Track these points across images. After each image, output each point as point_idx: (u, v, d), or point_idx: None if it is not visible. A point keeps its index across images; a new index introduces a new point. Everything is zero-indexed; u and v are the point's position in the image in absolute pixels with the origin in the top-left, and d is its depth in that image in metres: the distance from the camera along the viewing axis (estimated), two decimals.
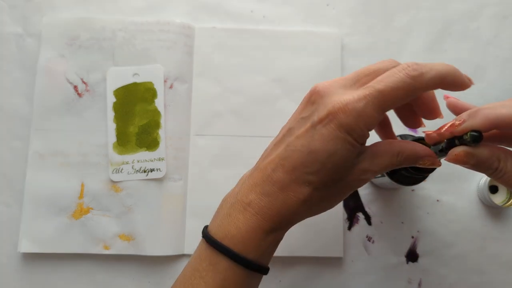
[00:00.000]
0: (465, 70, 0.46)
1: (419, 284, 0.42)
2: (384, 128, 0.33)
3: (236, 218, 0.28)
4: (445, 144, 0.27)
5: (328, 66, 0.45)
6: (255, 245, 0.27)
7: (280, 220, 0.28)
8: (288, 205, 0.27)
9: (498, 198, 0.43)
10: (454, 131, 0.26)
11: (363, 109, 0.26)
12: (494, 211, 0.44)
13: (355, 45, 0.46)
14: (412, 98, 0.27)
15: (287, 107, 0.45)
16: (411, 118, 0.32)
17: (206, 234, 0.29)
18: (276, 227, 0.28)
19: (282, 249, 0.42)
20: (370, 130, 0.27)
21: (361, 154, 0.27)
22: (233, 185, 0.43)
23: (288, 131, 0.29)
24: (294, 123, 0.28)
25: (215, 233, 0.28)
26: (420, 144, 0.28)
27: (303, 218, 0.29)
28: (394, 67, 0.27)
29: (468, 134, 0.25)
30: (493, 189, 0.43)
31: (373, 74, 0.27)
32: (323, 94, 0.27)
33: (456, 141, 0.26)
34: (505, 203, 0.42)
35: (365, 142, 0.27)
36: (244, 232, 0.27)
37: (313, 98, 0.28)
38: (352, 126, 0.26)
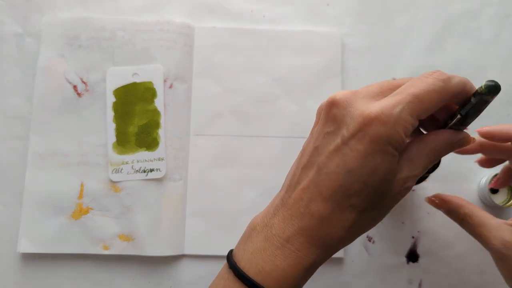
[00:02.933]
0: (465, 70, 0.46)
1: (420, 285, 0.42)
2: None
3: (272, 254, 0.25)
4: (462, 112, 0.26)
5: (328, 66, 0.45)
6: (293, 284, 0.25)
7: (324, 253, 0.25)
8: (333, 236, 0.25)
9: (499, 198, 0.43)
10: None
11: (399, 115, 0.24)
12: (494, 211, 0.43)
13: (355, 45, 0.46)
14: (443, 103, 0.25)
15: (287, 107, 0.45)
16: None
17: (234, 266, 0.26)
18: (319, 260, 0.26)
19: None
20: (407, 136, 0.25)
21: (398, 162, 0.25)
22: (233, 185, 0.43)
23: (315, 151, 0.26)
24: (319, 141, 0.26)
25: (246, 267, 0.25)
26: (449, 130, 0.27)
27: (348, 244, 0.26)
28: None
29: (483, 85, 0.24)
30: (494, 189, 0.43)
31: (397, 88, 0.26)
32: (346, 105, 0.25)
33: (472, 99, 0.25)
34: (506, 203, 0.42)
35: (402, 150, 0.25)
36: (281, 270, 0.25)
37: (335, 111, 0.25)
38: (392, 135, 0.24)
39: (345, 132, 0.24)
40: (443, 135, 0.27)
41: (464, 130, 0.28)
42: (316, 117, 0.28)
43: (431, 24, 0.47)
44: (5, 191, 0.43)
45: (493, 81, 0.24)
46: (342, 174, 0.24)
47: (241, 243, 0.28)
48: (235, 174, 0.44)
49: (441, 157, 0.27)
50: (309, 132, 0.29)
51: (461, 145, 0.27)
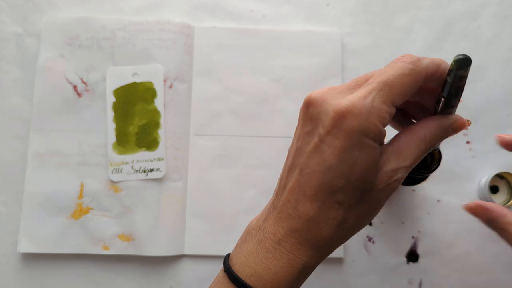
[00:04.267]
0: None
1: (420, 285, 0.42)
2: (403, 122, 0.30)
3: (264, 257, 0.25)
4: (444, 93, 0.25)
5: (328, 66, 0.45)
6: (286, 286, 0.25)
7: (316, 253, 0.25)
8: (322, 235, 0.25)
9: (499, 198, 0.43)
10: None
11: (371, 104, 0.23)
12: None
13: (355, 45, 0.46)
14: (417, 86, 0.25)
15: (287, 107, 0.45)
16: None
17: (228, 269, 0.26)
18: (312, 262, 0.25)
19: None
20: (385, 126, 0.24)
21: (383, 155, 0.25)
22: (233, 185, 0.43)
23: (297, 151, 0.26)
24: (300, 142, 0.26)
25: (240, 270, 0.26)
26: (438, 116, 0.26)
27: (342, 243, 0.26)
28: None
29: (453, 61, 0.24)
30: (494, 189, 0.43)
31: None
32: (320, 102, 0.25)
33: (448, 78, 0.25)
34: (506, 203, 0.42)
35: (383, 141, 0.25)
36: (273, 273, 0.25)
37: (311, 110, 0.25)
38: (366, 126, 0.23)
39: (321, 129, 0.24)
40: (433, 122, 0.26)
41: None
42: (298, 118, 0.28)
43: (431, 24, 0.47)
44: (5, 191, 0.43)
45: (461, 54, 0.24)
46: (322, 172, 0.24)
47: (237, 246, 0.28)
48: (235, 174, 0.44)
49: (434, 145, 0.26)
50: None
51: (455, 129, 0.26)
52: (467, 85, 0.48)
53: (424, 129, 0.26)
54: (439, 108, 0.26)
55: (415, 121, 0.30)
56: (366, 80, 0.25)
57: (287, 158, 0.27)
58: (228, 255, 0.28)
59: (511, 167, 0.43)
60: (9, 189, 0.43)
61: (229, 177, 0.44)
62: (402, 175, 0.25)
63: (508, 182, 0.43)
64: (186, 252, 0.42)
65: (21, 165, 0.43)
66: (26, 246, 0.41)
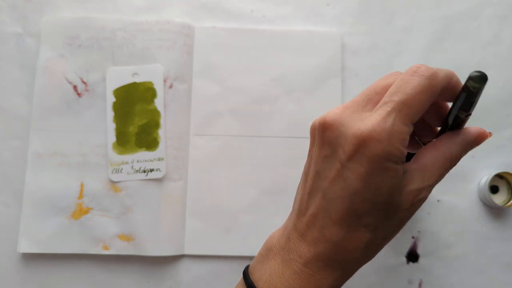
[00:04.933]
0: (465, 70, 0.46)
1: (420, 285, 0.42)
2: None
3: (291, 278, 0.25)
4: (459, 104, 0.24)
5: (328, 66, 0.45)
6: None
7: (342, 274, 0.25)
8: (350, 258, 0.25)
9: (499, 198, 0.43)
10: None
11: (392, 128, 0.23)
12: (494, 211, 0.43)
13: (355, 45, 0.46)
14: (432, 101, 0.24)
15: (287, 107, 0.45)
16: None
17: (251, 286, 0.26)
18: (338, 283, 0.26)
19: None
20: (406, 146, 0.24)
21: (406, 174, 0.24)
22: (233, 185, 0.43)
23: (317, 175, 0.26)
24: (319, 165, 0.25)
25: (264, 287, 0.26)
26: (463, 131, 0.25)
27: (366, 262, 0.26)
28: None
29: (469, 77, 0.23)
30: (494, 189, 0.43)
31: (384, 91, 0.25)
32: (337, 125, 0.24)
33: (462, 93, 0.24)
34: (506, 203, 0.42)
35: (404, 160, 0.24)
36: None
37: (328, 133, 0.25)
38: (388, 150, 0.23)
39: (341, 155, 0.24)
40: (457, 138, 0.25)
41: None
42: (310, 136, 0.28)
43: (431, 24, 0.47)
44: (5, 191, 0.43)
45: (477, 71, 0.23)
46: (347, 198, 0.24)
47: (258, 261, 0.28)
48: (235, 174, 0.44)
49: (458, 161, 0.26)
50: (308, 148, 0.28)
51: (478, 143, 0.26)
52: None
53: (449, 146, 0.25)
54: (450, 122, 0.26)
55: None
56: (377, 93, 0.25)
57: (305, 180, 0.27)
58: (247, 268, 0.28)
59: (511, 167, 0.43)
60: (9, 189, 0.43)
61: (229, 177, 0.44)
62: (426, 193, 0.25)
63: (508, 182, 0.43)
64: (186, 252, 0.42)
65: (21, 165, 0.43)
66: (26, 246, 0.41)
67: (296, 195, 0.28)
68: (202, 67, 0.45)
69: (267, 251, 0.28)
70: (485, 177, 0.43)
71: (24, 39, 0.45)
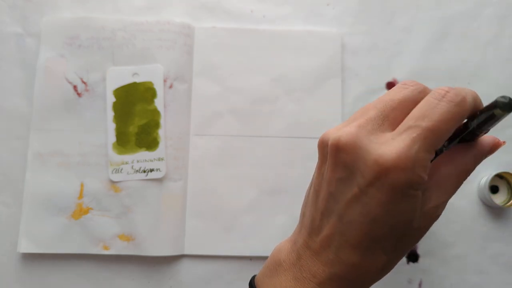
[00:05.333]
0: (465, 70, 0.46)
1: (420, 284, 0.42)
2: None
3: None
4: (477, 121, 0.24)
5: (328, 66, 0.45)
6: None
7: None
8: (365, 279, 0.24)
9: (499, 198, 0.43)
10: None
11: (417, 156, 0.22)
12: (494, 211, 0.43)
13: (355, 45, 0.46)
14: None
15: (287, 107, 0.45)
16: None
17: None
18: None
19: None
20: (427, 172, 0.23)
21: (423, 193, 0.24)
22: (233, 185, 0.43)
23: (330, 197, 0.24)
24: (333, 187, 0.24)
25: None
26: (478, 143, 0.25)
27: (378, 280, 0.26)
28: (419, 92, 0.24)
29: (497, 102, 0.22)
30: (494, 189, 0.43)
31: (401, 106, 0.24)
32: (354, 148, 0.23)
33: (483, 114, 0.23)
34: (506, 203, 0.42)
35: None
36: None
37: (344, 156, 0.23)
38: (412, 179, 0.22)
39: (360, 180, 0.23)
40: (472, 150, 0.25)
41: None
42: (319, 151, 0.26)
43: (431, 24, 0.47)
44: (5, 191, 0.43)
45: (503, 97, 0.22)
46: (366, 223, 0.23)
47: (265, 275, 0.27)
48: (235, 174, 0.44)
49: (471, 172, 0.25)
50: (315, 168, 0.27)
51: (492, 153, 0.25)
52: (466, 86, 0.48)
53: (464, 158, 0.25)
54: (464, 135, 0.25)
55: None
56: (394, 109, 0.24)
57: (315, 198, 0.26)
58: (253, 279, 0.28)
59: (511, 167, 0.43)
60: (9, 189, 0.43)
61: (229, 177, 0.44)
62: (442, 209, 0.25)
63: (508, 182, 0.43)
64: (186, 252, 0.42)
65: (21, 165, 0.43)
66: (26, 246, 0.41)
67: (304, 209, 0.27)
68: (202, 67, 0.45)
69: (276, 265, 0.27)
70: (485, 177, 0.43)
71: (24, 39, 0.45)
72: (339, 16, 0.47)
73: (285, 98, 0.45)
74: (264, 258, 0.42)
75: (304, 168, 0.44)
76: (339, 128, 0.25)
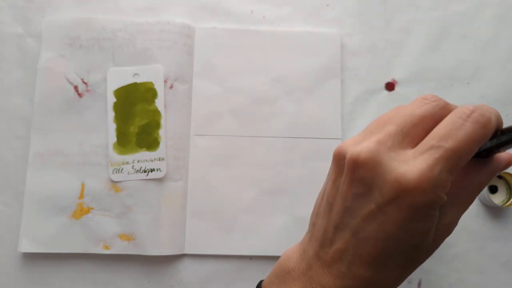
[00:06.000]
0: (464, 70, 0.47)
1: (419, 284, 0.42)
2: None
3: None
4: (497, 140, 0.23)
5: (327, 66, 0.45)
6: None
7: None
8: None
9: (498, 198, 0.43)
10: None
11: (439, 177, 0.21)
12: (494, 211, 0.44)
13: (355, 45, 0.47)
14: None
15: (287, 107, 0.45)
16: None
17: None
18: None
19: (284, 249, 0.42)
20: (447, 192, 0.22)
21: (439, 209, 0.23)
22: (233, 185, 0.44)
23: (346, 211, 0.24)
24: (349, 202, 0.24)
25: None
26: (493, 160, 0.25)
27: None
28: (440, 108, 0.23)
29: None
30: (493, 189, 0.43)
31: (422, 122, 0.23)
32: (374, 165, 0.22)
33: (504, 137, 0.23)
34: (505, 203, 0.42)
35: None
36: None
37: (362, 172, 0.23)
38: (432, 199, 0.21)
39: (378, 197, 0.22)
40: (489, 167, 0.25)
41: None
42: (334, 163, 0.26)
43: (431, 24, 0.47)
44: (6, 191, 0.43)
45: None
46: (381, 240, 0.23)
47: (273, 283, 0.27)
48: (235, 174, 0.44)
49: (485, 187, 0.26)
50: (326, 177, 0.27)
51: (506, 168, 0.25)
52: (466, 86, 0.48)
53: (479, 175, 0.24)
54: (480, 151, 0.25)
55: None
56: (415, 125, 0.23)
57: (328, 210, 0.25)
58: (260, 284, 0.28)
59: (510, 167, 0.43)
60: (10, 189, 0.43)
61: (229, 177, 0.44)
62: (456, 224, 0.25)
63: (507, 182, 0.43)
64: (187, 251, 0.42)
65: (22, 165, 0.43)
66: (27, 246, 0.41)
67: (315, 219, 0.27)
68: (202, 68, 0.45)
69: (284, 273, 0.27)
70: None
71: (25, 39, 0.45)
72: (338, 16, 0.47)
73: (285, 98, 0.45)
74: (264, 257, 0.42)
75: (304, 168, 0.44)
76: (357, 141, 0.24)
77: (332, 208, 0.25)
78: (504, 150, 0.24)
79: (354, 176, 0.23)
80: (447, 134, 0.22)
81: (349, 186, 0.24)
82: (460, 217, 0.25)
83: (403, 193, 0.21)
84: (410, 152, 0.23)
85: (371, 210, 0.23)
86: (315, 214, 0.27)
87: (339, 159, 0.25)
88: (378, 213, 0.22)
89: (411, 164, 0.22)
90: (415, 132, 0.23)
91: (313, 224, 0.27)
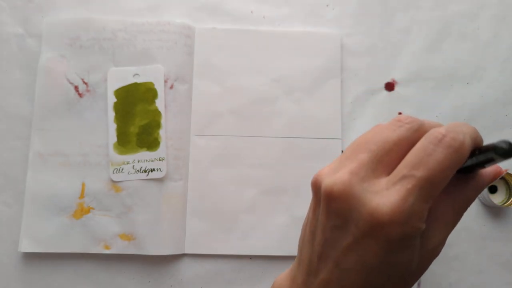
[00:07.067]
0: (465, 70, 0.47)
1: (419, 284, 0.42)
2: None
3: None
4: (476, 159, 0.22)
5: (327, 67, 0.46)
6: None
7: None
8: None
9: (498, 198, 0.43)
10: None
11: (412, 208, 0.20)
12: (493, 211, 0.44)
13: (355, 45, 0.47)
14: None
15: (287, 107, 0.45)
16: None
17: None
18: None
19: (284, 249, 0.42)
20: (425, 220, 0.22)
21: (422, 234, 0.22)
22: (233, 184, 0.44)
23: (325, 242, 0.23)
24: (328, 234, 0.23)
25: None
26: (478, 176, 0.24)
27: None
28: (414, 130, 0.22)
29: (497, 147, 0.20)
30: (493, 189, 0.43)
31: (396, 148, 0.22)
32: (347, 198, 0.22)
33: (482, 156, 0.22)
34: (505, 203, 0.42)
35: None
36: None
37: (336, 205, 0.22)
38: (407, 232, 0.21)
39: (354, 230, 0.22)
40: (474, 182, 0.24)
41: None
42: (313, 193, 0.25)
43: (430, 24, 0.47)
44: (6, 191, 0.43)
45: (505, 142, 0.20)
46: (363, 272, 0.22)
47: None
48: (235, 174, 0.44)
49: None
50: (309, 207, 0.26)
51: (493, 181, 0.24)
52: (465, 86, 0.48)
53: (465, 192, 0.24)
54: (461, 169, 0.24)
55: None
56: (388, 152, 0.22)
57: (311, 240, 0.25)
58: None
59: (510, 167, 0.43)
60: (11, 189, 0.43)
61: (229, 177, 0.44)
62: (443, 245, 0.24)
63: (507, 182, 0.43)
64: (187, 251, 0.42)
65: (23, 165, 0.43)
66: (28, 246, 0.41)
67: (302, 245, 0.27)
68: (202, 68, 0.45)
69: None
70: None
71: (25, 39, 0.46)
72: (338, 16, 0.47)
73: (285, 99, 0.45)
74: (264, 257, 0.43)
75: (304, 168, 0.44)
76: (333, 169, 0.24)
77: (314, 237, 0.25)
78: (489, 166, 0.23)
79: (330, 208, 0.23)
80: (418, 163, 0.21)
81: (326, 218, 0.23)
82: (447, 236, 0.24)
83: (378, 226, 0.21)
84: (383, 182, 0.22)
85: (350, 243, 0.22)
86: (301, 241, 0.27)
87: (316, 188, 0.25)
88: (357, 246, 0.22)
89: (384, 196, 0.21)
90: (389, 159, 0.22)
91: (300, 250, 0.27)
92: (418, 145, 0.22)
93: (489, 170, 0.24)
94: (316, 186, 0.24)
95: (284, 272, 0.29)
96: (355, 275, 0.23)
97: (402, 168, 0.21)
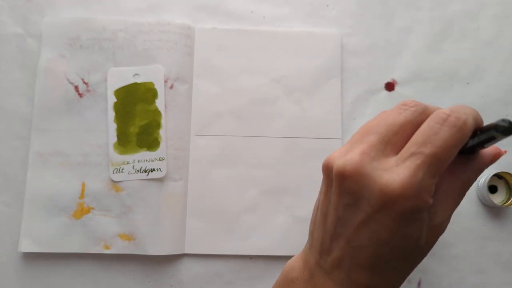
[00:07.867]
0: (464, 70, 0.47)
1: (419, 284, 0.42)
2: None
3: None
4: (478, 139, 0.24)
5: (327, 67, 0.45)
6: None
7: None
8: None
9: (498, 198, 0.43)
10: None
11: (421, 182, 0.22)
12: (493, 211, 0.44)
13: (355, 45, 0.47)
14: None
15: (287, 107, 0.45)
16: None
17: None
18: None
19: (284, 249, 0.42)
20: (432, 195, 0.23)
21: (429, 210, 0.24)
22: (233, 185, 0.44)
23: (338, 221, 0.25)
24: (341, 212, 0.24)
25: None
26: (480, 155, 0.25)
27: None
28: (419, 113, 0.24)
29: (498, 126, 0.22)
30: (493, 189, 0.43)
31: (402, 130, 0.24)
32: (359, 176, 0.23)
33: (484, 135, 0.23)
34: (505, 203, 0.42)
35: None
36: None
37: (349, 184, 0.23)
38: (418, 204, 0.22)
39: (367, 206, 0.23)
40: (475, 163, 0.25)
41: None
42: (324, 175, 0.26)
43: (431, 24, 0.47)
44: (6, 191, 0.43)
45: (506, 121, 0.21)
46: (375, 247, 0.24)
47: None
48: (235, 174, 0.44)
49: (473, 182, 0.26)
50: (319, 190, 0.27)
51: (493, 163, 0.26)
52: (466, 86, 0.48)
53: (466, 171, 0.25)
54: (463, 149, 0.25)
55: None
56: (396, 134, 0.24)
57: (323, 221, 0.26)
58: None
59: (510, 167, 0.43)
60: (11, 189, 0.43)
61: (230, 177, 0.44)
62: (448, 223, 0.25)
63: (506, 182, 0.43)
64: (187, 251, 0.42)
65: (22, 165, 0.43)
66: (27, 246, 0.41)
67: (313, 229, 0.28)
68: (202, 68, 0.45)
69: (288, 283, 0.27)
70: (483, 177, 0.43)
71: (25, 39, 0.45)
72: (338, 16, 0.47)
73: (285, 99, 0.45)
74: (264, 257, 0.43)
75: (304, 168, 0.44)
76: (343, 152, 0.25)
77: (326, 218, 0.26)
78: (489, 146, 0.24)
79: (342, 188, 0.24)
80: (425, 140, 0.23)
81: (339, 197, 0.24)
82: (451, 214, 0.25)
83: (389, 201, 0.22)
84: (392, 160, 0.23)
85: (362, 220, 0.24)
86: (313, 224, 0.28)
87: (327, 171, 0.26)
88: (369, 222, 0.23)
89: (394, 172, 0.22)
90: (397, 140, 0.24)
91: (311, 233, 0.28)
92: (425, 125, 0.23)
93: (489, 150, 0.25)
94: (327, 169, 0.26)
95: (294, 257, 0.29)
96: (367, 250, 0.24)
97: (411, 146, 0.23)
